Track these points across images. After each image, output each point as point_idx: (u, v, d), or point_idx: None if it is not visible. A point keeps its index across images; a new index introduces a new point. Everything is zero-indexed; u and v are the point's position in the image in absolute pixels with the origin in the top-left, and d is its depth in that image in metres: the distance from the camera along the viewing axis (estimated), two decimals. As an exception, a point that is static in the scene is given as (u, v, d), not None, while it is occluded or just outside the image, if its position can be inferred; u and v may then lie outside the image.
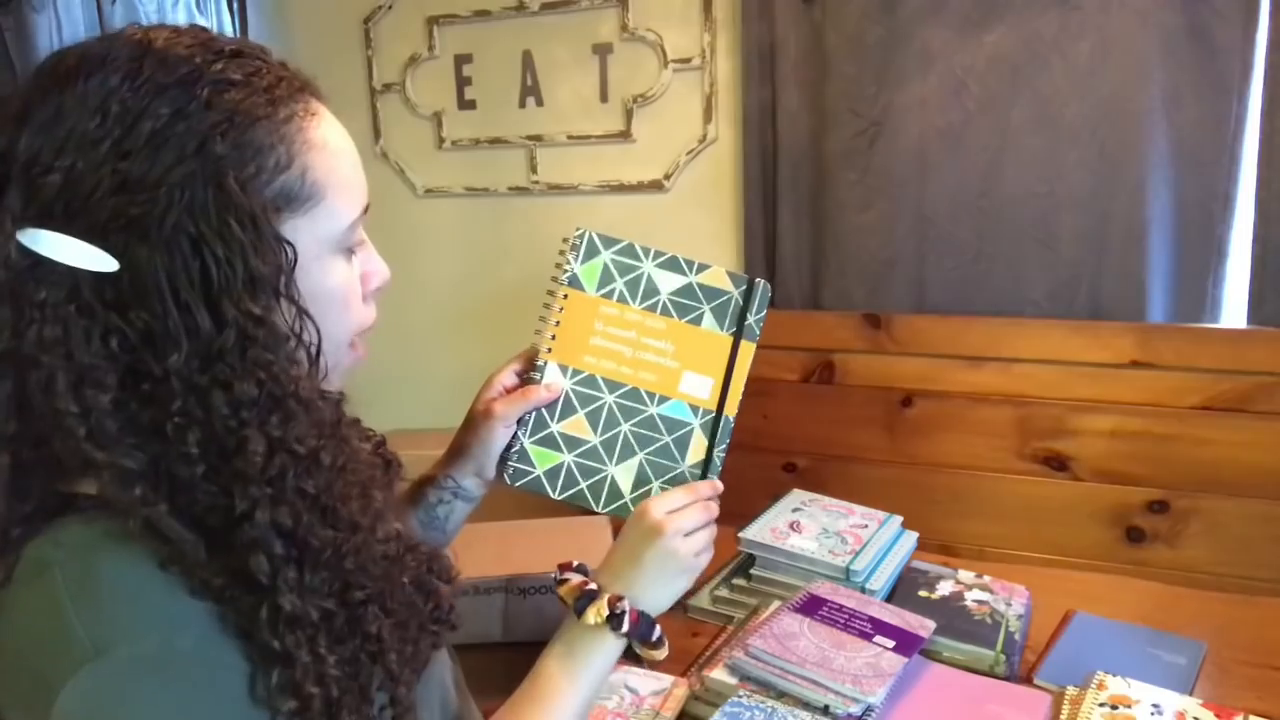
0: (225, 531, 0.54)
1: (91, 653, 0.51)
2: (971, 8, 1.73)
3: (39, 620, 0.53)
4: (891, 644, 1.20)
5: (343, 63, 2.37)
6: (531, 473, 0.83)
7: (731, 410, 0.84)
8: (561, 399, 0.84)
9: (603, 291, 0.86)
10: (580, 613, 0.76)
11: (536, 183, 2.23)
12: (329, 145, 0.61)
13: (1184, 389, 1.64)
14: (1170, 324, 1.70)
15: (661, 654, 0.79)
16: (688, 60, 2.03)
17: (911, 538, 1.57)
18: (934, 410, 1.83)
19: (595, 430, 0.83)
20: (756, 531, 1.48)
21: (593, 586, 0.78)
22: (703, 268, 0.87)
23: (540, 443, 0.83)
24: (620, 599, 0.77)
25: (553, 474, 0.83)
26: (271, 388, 0.55)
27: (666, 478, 0.84)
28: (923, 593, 1.42)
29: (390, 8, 2.30)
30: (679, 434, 0.84)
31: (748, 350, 0.85)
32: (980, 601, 1.38)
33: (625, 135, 2.12)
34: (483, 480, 0.96)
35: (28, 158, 0.52)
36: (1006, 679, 1.23)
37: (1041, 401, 1.75)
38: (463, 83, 2.26)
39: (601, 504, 0.84)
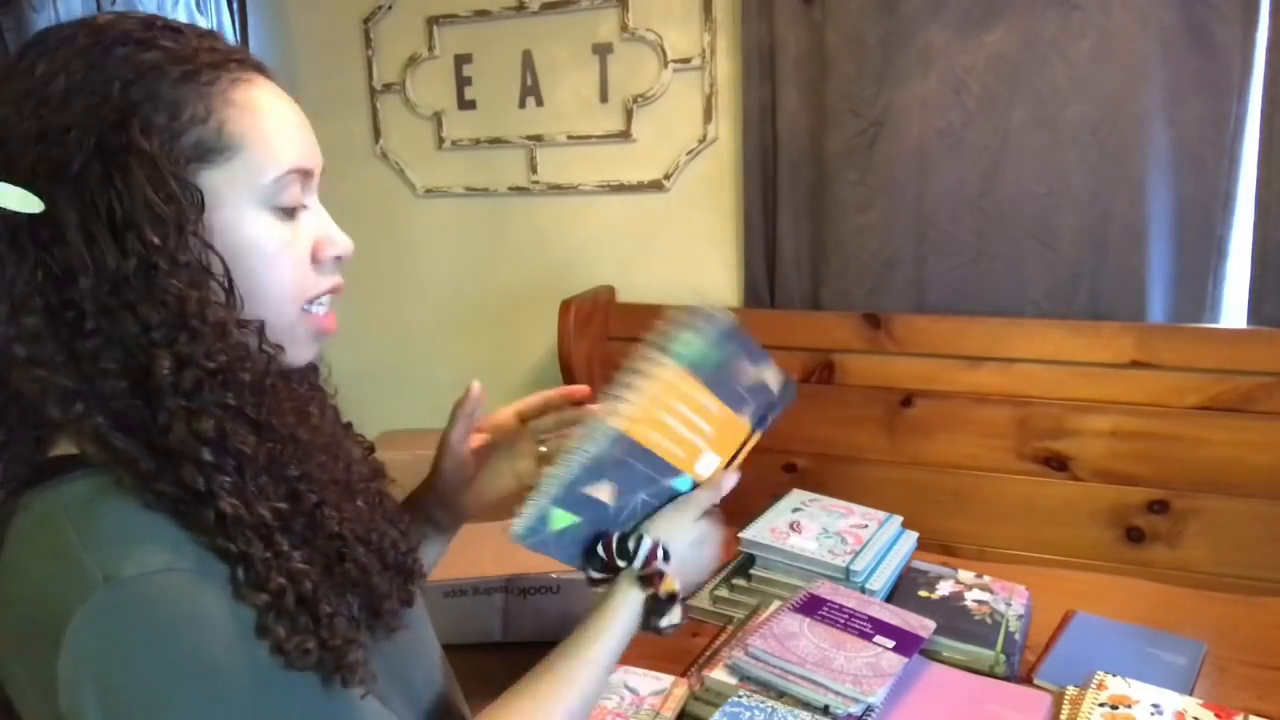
0: (160, 446, 0.59)
1: (101, 580, 0.55)
2: (971, 8, 1.73)
3: (47, 561, 0.58)
4: (891, 644, 1.20)
5: (343, 63, 2.37)
6: (540, 533, 0.81)
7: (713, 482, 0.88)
8: (601, 463, 0.80)
9: (696, 370, 0.83)
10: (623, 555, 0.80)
11: (536, 183, 2.23)
12: (254, 105, 0.65)
13: (1184, 389, 1.64)
14: (1170, 324, 1.70)
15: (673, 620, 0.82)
16: (688, 60, 2.03)
17: (911, 538, 1.57)
18: (934, 410, 1.83)
19: (615, 497, 0.81)
20: (756, 531, 1.48)
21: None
22: (769, 363, 0.88)
23: (560, 503, 0.79)
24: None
25: (562, 535, 0.82)
26: (176, 309, 0.60)
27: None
28: (923, 593, 1.42)
29: (390, 8, 2.30)
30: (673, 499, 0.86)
31: (755, 439, 0.88)
32: (980, 601, 1.38)
33: (625, 135, 2.12)
34: (454, 516, 1.01)
35: None
36: (1006, 679, 1.23)
37: (1041, 401, 1.75)
38: (463, 83, 2.26)
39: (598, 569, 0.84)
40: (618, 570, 0.82)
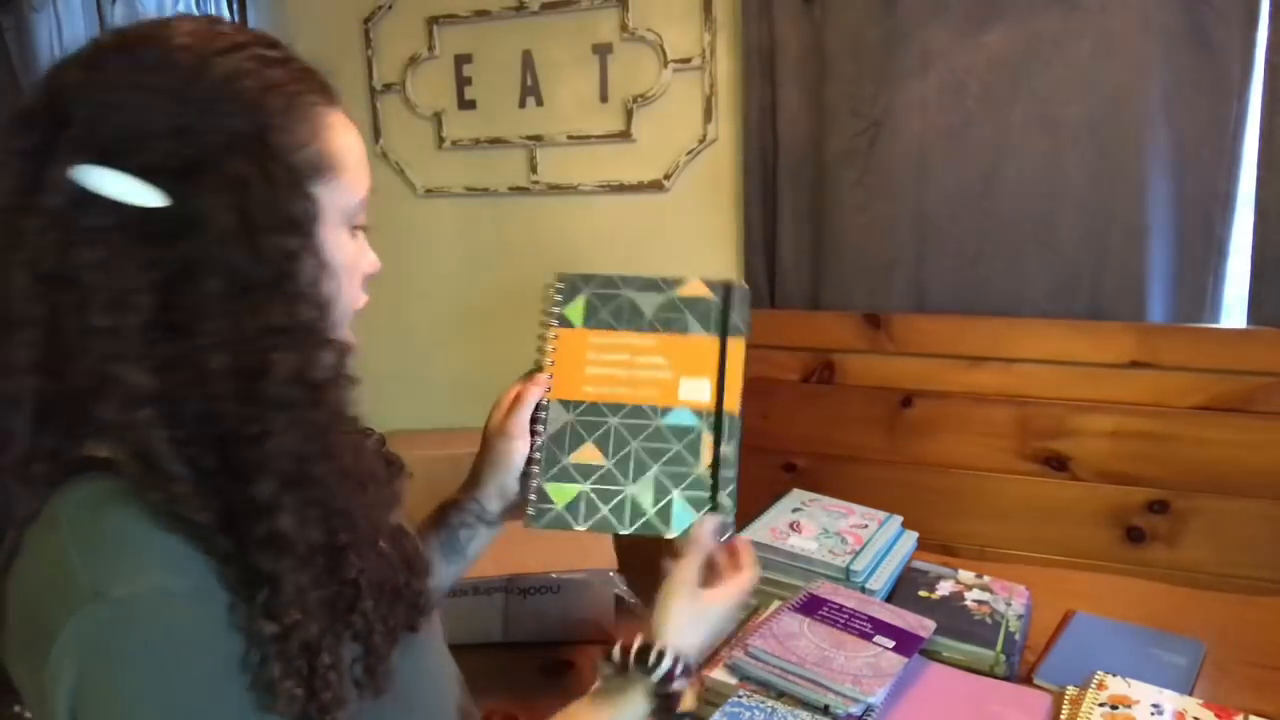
0: (228, 459, 0.58)
1: (91, 595, 0.54)
2: (971, 8, 1.73)
3: (46, 568, 0.57)
4: (891, 644, 1.20)
5: (343, 63, 2.37)
6: (551, 509, 0.84)
7: (731, 406, 0.85)
8: (569, 432, 0.85)
9: (590, 323, 0.90)
10: (641, 664, 0.77)
11: (536, 183, 2.23)
12: (343, 130, 0.67)
13: (1184, 389, 1.64)
14: (1170, 324, 1.70)
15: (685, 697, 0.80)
16: (688, 60, 2.03)
17: (911, 538, 1.57)
18: (934, 410, 1.83)
19: (606, 454, 0.84)
20: (756, 531, 1.48)
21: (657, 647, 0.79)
22: (678, 282, 0.92)
23: (555, 478, 0.84)
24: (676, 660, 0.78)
25: (573, 506, 0.84)
26: (298, 320, 0.60)
27: (685, 484, 0.84)
28: (923, 593, 1.42)
29: (390, 8, 2.30)
30: (688, 439, 0.85)
31: (736, 346, 0.87)
32: (980, 601, 1.38)
33: (625, 135, 2.12)
34: (505, 501, 0.96)
35: (94, 97, 0.57)
36: (1006, 679, 1.23)
37: (1041, 401, 1.75)
38: (463, 83, 2.26)
39: (626, 525, 0.84)
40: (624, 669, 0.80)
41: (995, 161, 1.76)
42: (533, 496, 0.85)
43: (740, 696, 1.12)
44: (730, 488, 0.85)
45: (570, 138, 2.18)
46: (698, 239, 2.10)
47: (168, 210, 0.57)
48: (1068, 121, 1.70)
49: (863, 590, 1.37)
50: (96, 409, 0.57)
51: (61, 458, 0.59)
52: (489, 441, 0.96)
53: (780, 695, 1.13)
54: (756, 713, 1.09)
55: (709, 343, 0.88)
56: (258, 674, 0.56)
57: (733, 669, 1.17)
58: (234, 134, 0.59)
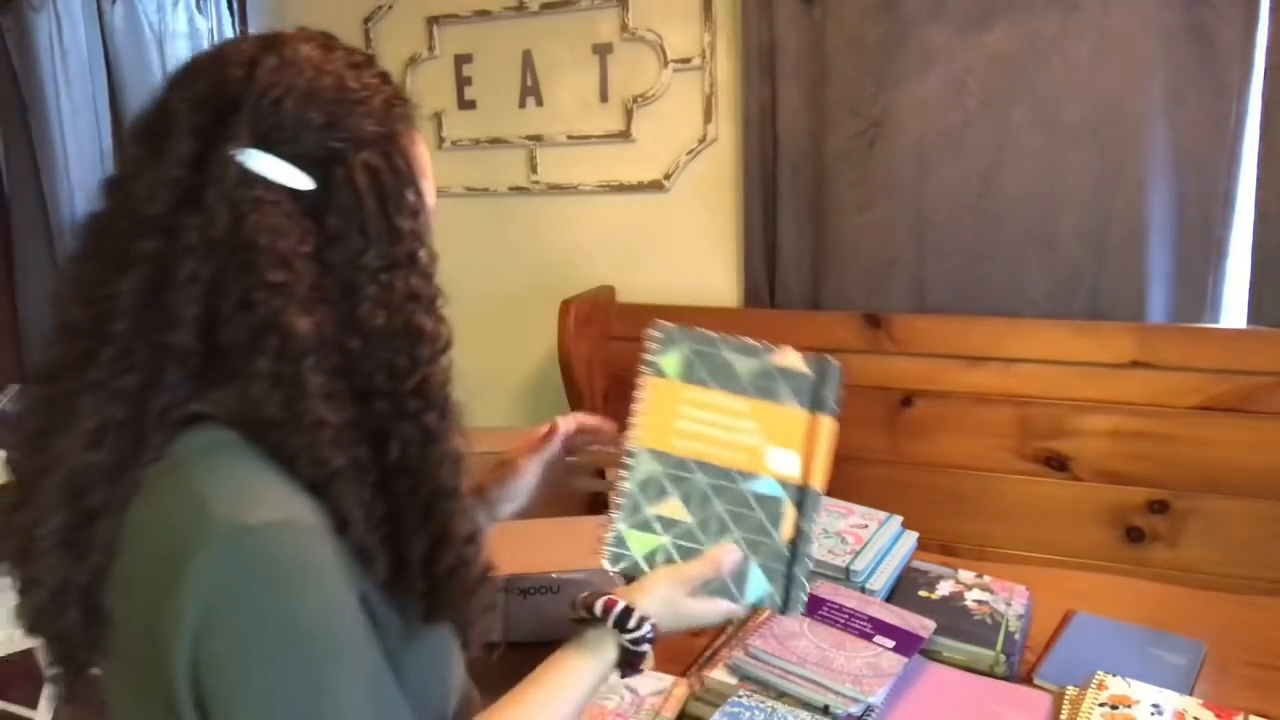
0: (365, 410, 0.66)
1: (225, 523, 0.59)
2: (971, 8, 1.73)
3: (176, 502, 0.61)
4: (891, 644, 1.20)
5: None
6: (629, 556, 0.86)
7: (817, 483, 0.86)
8: (654, 483, 0.86)
9: (686, 378, 0.90)
10: (619, 623, 0.81)
11: (536, 183, 2.23)
12: (424, 145, 0.76)
13: (1184, 389, 1.64)
14: (1170, 324, 1.70)
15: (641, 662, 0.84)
16: (688, 60, 2.03)
17: (911, 538, 1.57)
18: (934, 410, 1.83)
19: (690, 510, 0.85)
20: (756, 531, 1.48)
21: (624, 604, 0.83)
22: (774, 349, 0.92)
23: (636, 526, 0.86)
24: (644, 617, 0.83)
25: (650, 557, 0.85)
26: (429, 292, 0.71)
27: (763, 556, 0.85)
28: (923, 593, 1.41)
29: (390, 8, 2.30)
30: (770, 509, 0.86)
31: (828, 425, 0.87)
32: (980, 601, 1.38)
33: (625, 135, 2.12)
34: (494, 518, 1.05)
35: (259, 93, 0.65)
36: (1006, 679, 1.23)
37: (1041, 401, 1.75)
38: (463, 83, 2.26)
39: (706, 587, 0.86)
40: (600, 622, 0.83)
41: (995, 161, 1.76)
42: (610, 538, 0.86)
43: (740, 696, 1.12)
44: (810, 564, 0.85)
45: (570, 138, 2.18)
46: (698, 239, 2.10)
47: (313, 192, 0.66)
48: (1068, 121, 1.70)
49: (863, 590, 1.37)
50: (257, 360, 0.62)
51: (186, 409, 0.64)
52: (506, 467, 1.04)
53: (780, 695, 1.13)
54: (756, 713, 1.09)
55: (800, 415, 0.88)
56: (369, 610, 0.63)
57: (733, 669, 1.17)
58: (368, 134, 0.68)
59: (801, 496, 0.86)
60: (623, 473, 0.88)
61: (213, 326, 0.63)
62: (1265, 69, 1.57)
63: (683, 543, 0.85)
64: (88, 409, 0.62)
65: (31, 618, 0.67)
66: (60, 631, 0.66)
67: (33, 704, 2.14)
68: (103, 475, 0.62)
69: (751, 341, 0.93)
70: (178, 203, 0.63)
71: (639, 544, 0.85)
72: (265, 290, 0.62)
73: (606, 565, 0.85)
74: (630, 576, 0.89)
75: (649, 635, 0.81)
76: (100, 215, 0.68)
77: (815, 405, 0.88)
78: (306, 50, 0.70)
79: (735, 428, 0.87)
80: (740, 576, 0.84)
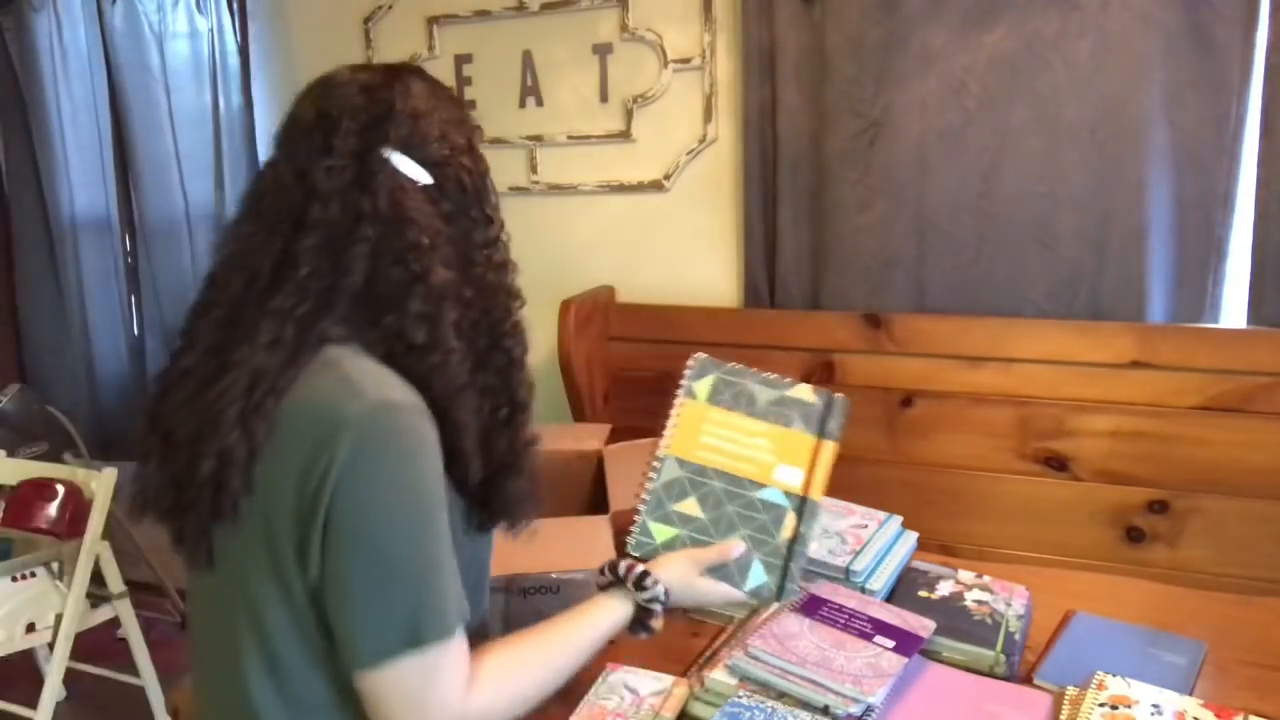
0: (483, 344, 0.89)
1: (372, 398, 0.79)
2: (971, 8, 1.73)
3: (331, 386, 0.80)
4: (891, 644, 1.20)
5: (343, 63, 2.37)
6: (651, 544, 1.02)
7: (816, 495, 1.01)
8: (678, 484, 1.03)
9: (713, 400, 1.06)
10: (637, 583, 0.98)
11: (536, 183, 2.24)
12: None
13: (1184, 389, 1.64)
14: (1170, 324, 1.70)
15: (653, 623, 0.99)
16: (688, 60, 2.03)
17: (911, 538, 1.57)
18: (934, 410, 1.83)
19: (705, 509, 1.00)
20: (756, 531, 1.48)
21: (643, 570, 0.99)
22: (793, 384, 1.07)
23: (658, 519, 1.02)
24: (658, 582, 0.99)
25: (669, 544, 1.01)
26: (509, 257, 0.94)
27: (765, 550, 0.99)
28: (923, 593, 1.41)
29: (390, 8, 2.30)
30: (774, 514, 1.00)
31: (829, 449, 1.02)
32: (980, 601, 1.38)
33: (625, 135, 2.12)
34: None
35: (403, 111, 0.87)
36: (1006, 679, 1.23)
37: (1041, 401, 1.75)
38: (463, 83, 2.26)
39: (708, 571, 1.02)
40: (623, 583, 0.98)
41: (995, 161, 1.76)
42: (636, 528, 1.01)
43: (740, 696, 1.12)
44: (803, 561, 1.00)
45: (570, 138, 2.18)
46: (698, 239, 2.11)
47: (430, 185, 0.87)
48: (1068, 121, 1.70)
49: (863, 590, 1.37)
50: (409, 302, 0.83)
51: (336, 331, 0.84)
52: None
53: (780, 695, 1.13)
54: (756, 713, 1.09)
55: (807, 440, 1.02)
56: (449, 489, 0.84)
57: (733, 669, 1.17)
58: (462, 145, 0.90)
59: (801, 505, 1.00)
60: (650, 474, 1.04)
61: (373, 276, 0.83)
62: (1265, 69, 1.57)
63: (697, 535, 1.00)
64: (268, 327, 0.81)
65: (157, 501, 0.85)
66: (190, 505, 0.82)
67: (33, 704, 2.14)
68: (274, 373, 0.80)
69: (773, 376, 1.08)
70: (349, 185, 0.83)
71: (660, 533, 1.01)
72: (416, 251, 0.83)
73: (631, 549, 0.99)
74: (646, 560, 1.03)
75: (661, 597, 0.95)
76: (267, 189, 0.86)
77: (821, 431, 1.03)
78: (420, 83, 0.91)
79: (750, 445, 1.02)
80: (744, 567, 0.97)
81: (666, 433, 1.05)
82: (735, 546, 0.99)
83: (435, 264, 0.84)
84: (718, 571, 0.99)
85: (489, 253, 0.91)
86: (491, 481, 0.90)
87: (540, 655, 0.91)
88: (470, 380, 0.86)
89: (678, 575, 0.98)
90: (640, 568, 0.96)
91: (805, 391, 1.04)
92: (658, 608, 0.96)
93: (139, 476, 0.86)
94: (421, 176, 0.87)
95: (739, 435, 1.03)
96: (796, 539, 0.99)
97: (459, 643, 0.81)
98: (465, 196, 0.90)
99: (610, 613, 0.96)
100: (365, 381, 0.80)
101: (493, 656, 0.86)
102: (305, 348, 0.81)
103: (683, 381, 1.08)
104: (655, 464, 1.04)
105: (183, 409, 0.84)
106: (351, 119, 0.86)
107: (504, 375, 0.91)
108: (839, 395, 1.05)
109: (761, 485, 1.00)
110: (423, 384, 0.83)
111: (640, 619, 0.97)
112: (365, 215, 0.83)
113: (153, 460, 0.85)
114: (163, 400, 0.87)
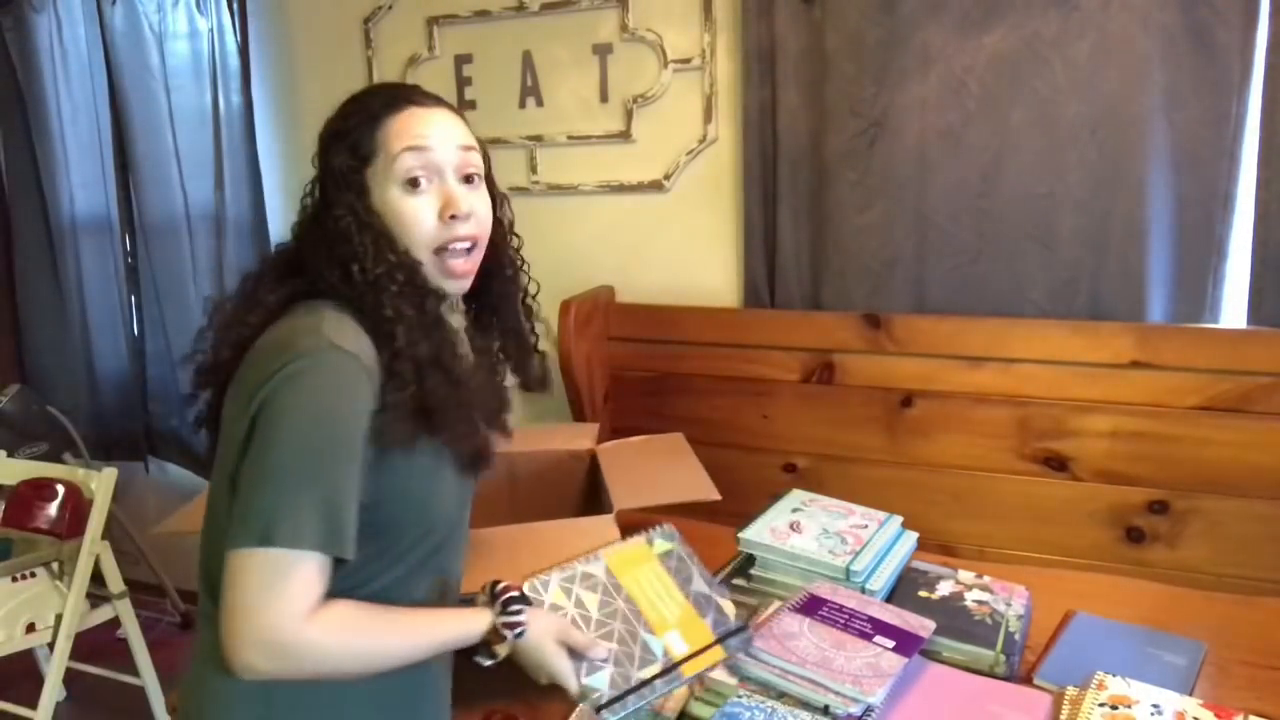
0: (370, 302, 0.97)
1: (325, 340, 0.91)
2: (971, 8, 1.73)
3: (303, 324, 0.93)
4: (891, 644, 1.20)
5: (343, 63, 2.37)
6: (542, 597, 1.08)
7: (687, 672, 1.08)
8: (594, 581, 1.13)
9: (662, 557, 1.19)
10: (505, 604, 1.01)
11: (536, 183, 2.23)
12: (397, 123, 1.00)
13: (1184, 389, 1.64)
14: (1170, 324, 1.70)
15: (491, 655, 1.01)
16: (688, 60, 2.03)
17: (911, 538, 1.57)
18: (934, 410, 1.83)
19: (599, 611, 1.10)
20: (756, 531, 1.48)
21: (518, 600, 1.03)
22: (725, 598, 1.17)
23: (563, 589, 1.10)
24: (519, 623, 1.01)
25: (554, 608, 1.07)
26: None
27: (619, 670, 1.06)
28: (923, 593, 1.42)
29: (390, 8, 2.30)
30: (646, 656, 1.08)
31: (716, 654, 1.11)
32: (980, 601, 1.38)
33: (625, 135, 2.12)
34: None
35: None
36: (1006, 679, 1.23)
37: (1041, 401, 1.75)
38: (463, 83, 2.26)
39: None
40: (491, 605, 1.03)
41: (995, 161, 1.76)
42: (541, 578, 1.10)
43: (740, 696, 1.12)
44: (635, 707, 1.05)
45: (570, 138, 2.18)
46: (698, 239, 2.10)
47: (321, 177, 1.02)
48: (1068, 121, 1.70)
49: (863, 590, 1.37)
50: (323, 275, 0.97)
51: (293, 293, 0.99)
52: None
53: (780, 695, 1.13)
54: (756, 713, 1.09)
55: (707, 634, 1.12)
56: (375, 426, 0.91)
57: (733, 669, 1.17)
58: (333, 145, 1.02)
59: (670, 668, 1.08)
60: (583, 558, 1.14)
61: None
62: (1265, 69, 1.56)
63: (578, 622, 1.07)
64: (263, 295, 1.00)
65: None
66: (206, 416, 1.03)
67: (33, 704, 2.14)
68: (266, 317, 0.97)
69: (717, 581, 1.20)
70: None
71: (556, 596, 1.09)
72: (339, 226, 0.99)
73: (526, 589, 1.06)
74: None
75: (518, 629, 0.99)
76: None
77: (721, 640, 1.12)
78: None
79: (666, 605, 1.13)
80: (594, 668, 1.04)
81: (613, 546, 1.18)
82: (603, 649, 1.05)
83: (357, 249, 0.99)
84: (571, 655, 1.03)
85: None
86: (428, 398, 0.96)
87: (384, 628, 0.94)
88: (400, 316, 0.96)
89: (542, 629, 1.01)
90: (516, 594, 1.02)
91: (731, 609, 1.16)
92: (509, 635, 0.98)
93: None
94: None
95: (663, 593, 1.15)
96: (648, 684, 1.06)
97: (311, 565, 0.86)
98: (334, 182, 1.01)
99: (464, 622, 0.99)
100: (327, 328, 0.92)
101: (344, 605, 0.90)
102: (284, 299, 0.98)
103: (649, 530, 1.22)
104: (592, 555, 1.15)
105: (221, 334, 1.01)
106: None
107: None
108: (749, 631, 1.17)
109: (652, 632, 1.10)
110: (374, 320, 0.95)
111: (489, 640, 0.99)
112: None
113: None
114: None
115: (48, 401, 2.66)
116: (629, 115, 2.11)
